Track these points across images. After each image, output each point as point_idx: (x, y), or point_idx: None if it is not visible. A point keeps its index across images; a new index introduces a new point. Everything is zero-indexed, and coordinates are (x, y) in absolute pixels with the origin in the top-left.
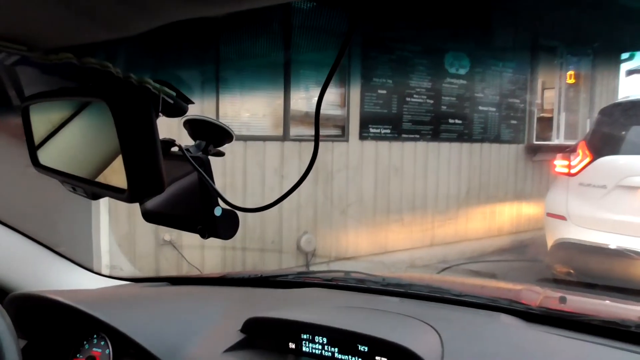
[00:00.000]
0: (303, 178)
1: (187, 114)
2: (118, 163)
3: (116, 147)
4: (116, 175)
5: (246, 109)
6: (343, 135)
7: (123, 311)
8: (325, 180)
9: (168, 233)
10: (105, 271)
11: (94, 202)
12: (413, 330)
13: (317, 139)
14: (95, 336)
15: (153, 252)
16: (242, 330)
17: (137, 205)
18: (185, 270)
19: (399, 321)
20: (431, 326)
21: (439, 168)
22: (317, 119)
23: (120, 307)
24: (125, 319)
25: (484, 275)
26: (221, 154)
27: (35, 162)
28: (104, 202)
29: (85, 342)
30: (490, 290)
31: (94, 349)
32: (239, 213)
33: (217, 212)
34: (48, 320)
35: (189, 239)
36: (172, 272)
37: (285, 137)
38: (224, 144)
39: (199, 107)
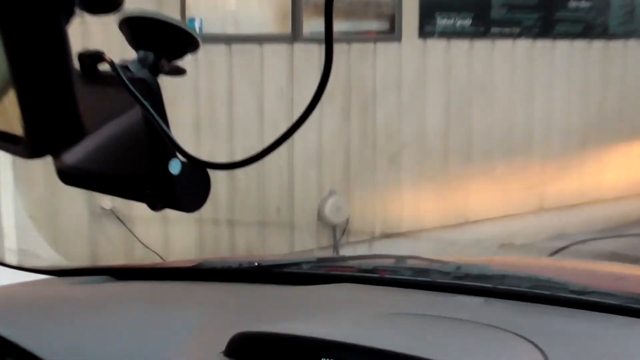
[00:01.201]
0: (310, 109)
1: (126, 10)
2: (12, 98)
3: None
4: (10, 116)
5: None
6: (392, 30)
7: (40, 323)
8: (362, 108)
9: (109, 198)
10: (11, 260)
11: None
12: (504, 350)
13: (329, 39)
14: None
15: (86, 227)
16: (227, 352)
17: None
18: (138, 257)
19: (481, 336)
20: (534, 344)
21: (552, 84)
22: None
23: (35, 316)
24: (44, 336)
25: (623, 259)
26: (181, 72)
27: None
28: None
29: None
30: (632, 284)
31: None
32: (211, 170)
33: (174, 168)
34: None
35: (143, 207)
36: (118, 260)
37: (295, 36)
38: (184, 56)
39: None
